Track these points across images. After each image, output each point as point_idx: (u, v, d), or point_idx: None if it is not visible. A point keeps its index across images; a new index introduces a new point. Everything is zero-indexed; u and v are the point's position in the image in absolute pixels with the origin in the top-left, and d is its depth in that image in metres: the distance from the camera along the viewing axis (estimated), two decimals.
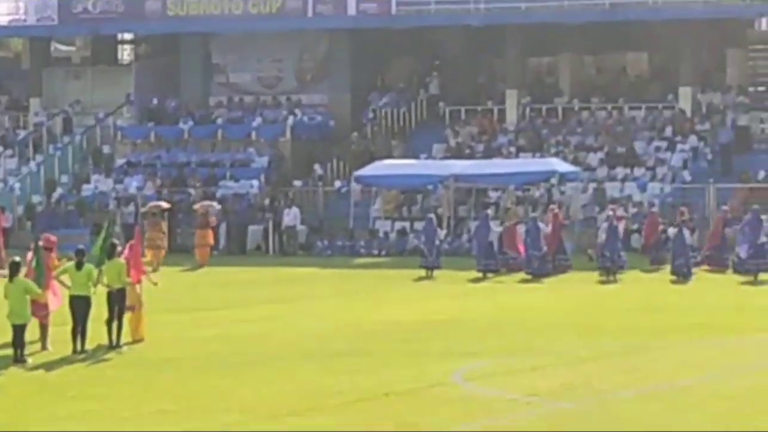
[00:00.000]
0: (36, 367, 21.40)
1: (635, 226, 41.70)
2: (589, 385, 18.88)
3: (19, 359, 21.22)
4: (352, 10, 50.19)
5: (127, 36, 59.90)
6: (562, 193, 45.13)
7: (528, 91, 51.75)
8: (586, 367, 20.70)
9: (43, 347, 22.08)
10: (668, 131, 48.72)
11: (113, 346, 22.62)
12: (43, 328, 21.92)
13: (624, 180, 46.43)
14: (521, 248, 36.73)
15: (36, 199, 48.59)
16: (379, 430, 15.75)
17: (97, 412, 17.37)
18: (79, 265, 22.03)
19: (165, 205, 41.67)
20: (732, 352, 23.11)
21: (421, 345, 23.69)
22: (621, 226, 35.96)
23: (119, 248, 23.19)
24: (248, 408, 17.60)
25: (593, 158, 47.51)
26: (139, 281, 24.10)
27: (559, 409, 17.15)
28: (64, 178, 50.21)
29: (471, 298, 33.65)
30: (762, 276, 34.95)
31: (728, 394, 18.05)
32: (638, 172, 47.25)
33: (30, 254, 22.77)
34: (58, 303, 22.18)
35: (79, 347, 21.64)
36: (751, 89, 50.55)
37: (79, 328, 21.53)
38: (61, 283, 22.38)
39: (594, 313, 29.52)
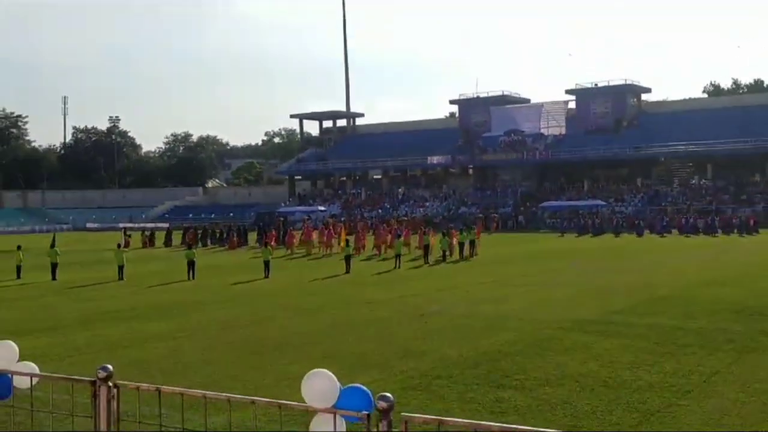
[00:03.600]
0: (450, 263, 37.10)
1: (623, 220, 74.01)
2: (612, 266, 32.82)
3: (444, 260, 36.92)
4: (538, 156, 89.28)
5: (471, 166, 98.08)
6: (601, 210, 78.46)
7: (591, 180, 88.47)
8: (613, 261, 36.53)
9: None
10: (633, 191, 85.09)
11: (471, 256, 39.76)
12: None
13: (620, 206, 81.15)
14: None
15: (445, 214, 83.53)
16: (548, 281, 26.84)
17: (467, 275, 30.20)
18: (461, 232, 42.25)
19: (482, 216, 75.40)
20: (658, 255, 38.35)
21: (561, 255, 40.30)
22: None
23: None
24: (512, 273, 37.83)
25: (611, 200, 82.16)
26: (478, 237, 42.74)
27: (604, 274, 29.71)
28: (452, 207, 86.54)
29: (575, 242, 54.10)
30: (665, 235, 59.22)
31: (659, 269, 29.96)
32: (624, 204, 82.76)
33: None
34: None
35: None
36: (659, 179, 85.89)
37: None
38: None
39: (613, 246, 49.63)
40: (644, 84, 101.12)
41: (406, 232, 46.11)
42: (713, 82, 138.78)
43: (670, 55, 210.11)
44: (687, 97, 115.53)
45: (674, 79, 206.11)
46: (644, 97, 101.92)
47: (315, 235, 49.84)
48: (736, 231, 64.96)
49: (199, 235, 61.50)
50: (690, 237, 62.09)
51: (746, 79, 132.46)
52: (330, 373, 3.89)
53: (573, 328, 18.08)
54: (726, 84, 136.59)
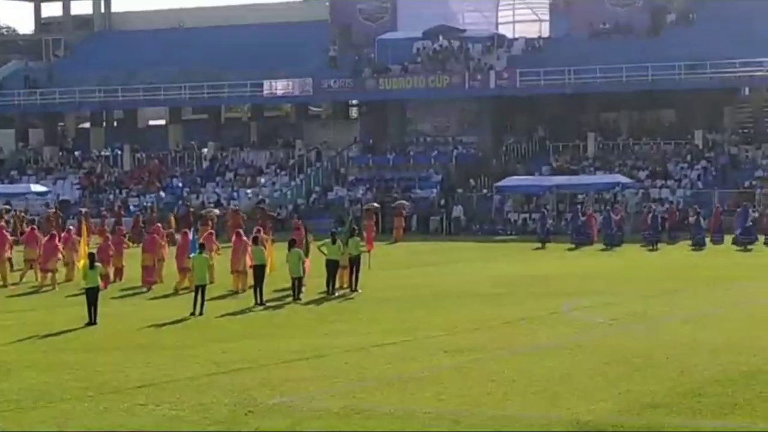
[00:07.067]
0: (308, 303, 39.28)
1: (666, 216, 73.17)
2: (645, 313, 35.79)
3: (297, 298, 39.11)
4: (492, 84, 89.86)
5: (354, 101, 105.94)
6: (623, 196, 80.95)
7: (600, 133, 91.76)
8: (645, 302, 38.77)
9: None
10: (688, 157, 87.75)
11: (353, 290, 41.67)
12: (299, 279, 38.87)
13: (660, 188, 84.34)
14: (596, 230, 67.82)
15: (300, 201, 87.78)
16: (517, 344, 29.01)
17: (345, 331, 32.47)
18: (333, 241, 41.44)
19: (377, 205, 74.33)
20: (735, 292, 42.04)
21: (542, 288, 42.97)
22: (659, 216, 66.28)
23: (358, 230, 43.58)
24: (438, 327, 32.69)
25: (642, 174, 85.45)
26: (369, 250, 45.72)
27: (628, 329, 32.22)
28: (317, 188, 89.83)
29: (569, 260, 59.46)
30: (750, 247, 63.13)
31: (734, 318, 34.29)
32: (669, 183, 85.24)
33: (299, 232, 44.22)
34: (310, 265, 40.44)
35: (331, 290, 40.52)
36: (739, 131, 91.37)
37: (330, 279, 40.38)
38: (321, 251, 41.54)
39: (645, 268, 53.89)
40: None
41: (208, 238, 46.35)
42: None
43: None
44: None
45: None
46: None
47: (7, 247, 49.61)
48: None
49: None
50: None
51: None
52: None
53: None
54: None
